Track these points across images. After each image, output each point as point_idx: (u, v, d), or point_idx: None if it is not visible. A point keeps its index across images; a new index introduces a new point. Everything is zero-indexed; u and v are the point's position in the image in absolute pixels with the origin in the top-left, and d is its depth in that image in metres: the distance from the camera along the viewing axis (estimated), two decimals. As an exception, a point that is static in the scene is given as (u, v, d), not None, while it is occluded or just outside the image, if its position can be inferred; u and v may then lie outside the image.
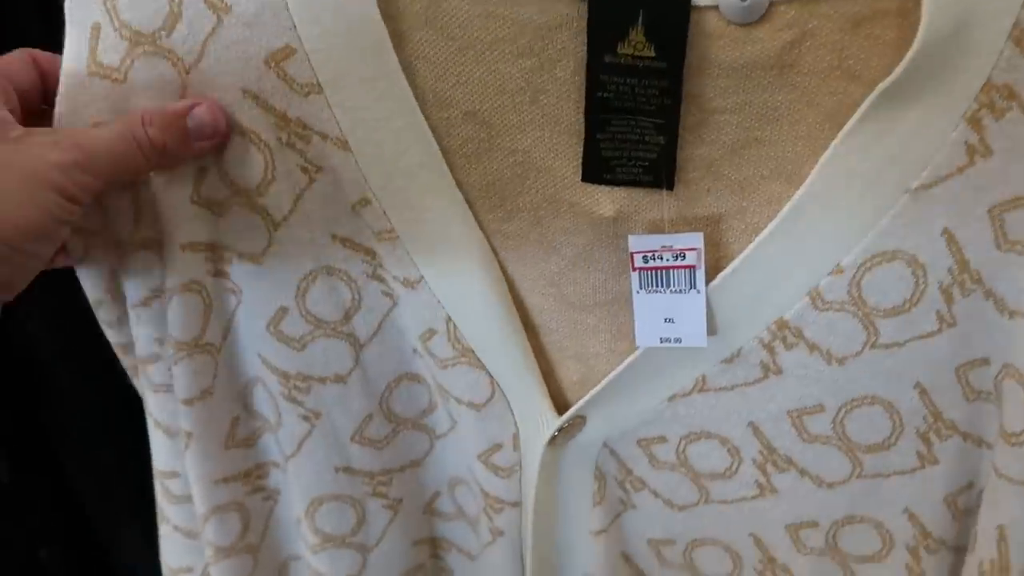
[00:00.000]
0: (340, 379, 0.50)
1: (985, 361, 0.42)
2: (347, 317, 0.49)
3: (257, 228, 0.46)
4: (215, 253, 0.47)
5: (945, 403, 0.44)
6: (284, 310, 0.48)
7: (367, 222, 0.45)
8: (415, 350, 0.50)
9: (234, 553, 0.54)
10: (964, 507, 0.48)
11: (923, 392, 0.43)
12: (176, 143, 0.41)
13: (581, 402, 0.47)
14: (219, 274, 0.47)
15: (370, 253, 0.47)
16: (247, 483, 0.54)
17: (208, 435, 0.51)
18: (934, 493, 0.47)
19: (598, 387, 0.46)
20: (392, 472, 0.54)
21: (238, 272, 0.47)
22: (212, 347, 0.49)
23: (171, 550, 0.57)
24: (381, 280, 0.48)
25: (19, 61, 0.43)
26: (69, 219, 0.40)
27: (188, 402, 0.49)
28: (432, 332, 0.48)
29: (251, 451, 0.53)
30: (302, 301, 0.48)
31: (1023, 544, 0.44)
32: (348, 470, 0.53)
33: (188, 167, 0.44)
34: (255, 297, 0.48)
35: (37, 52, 0.44)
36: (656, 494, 0.51)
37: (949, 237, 0.38)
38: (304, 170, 0.44)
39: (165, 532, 0.57)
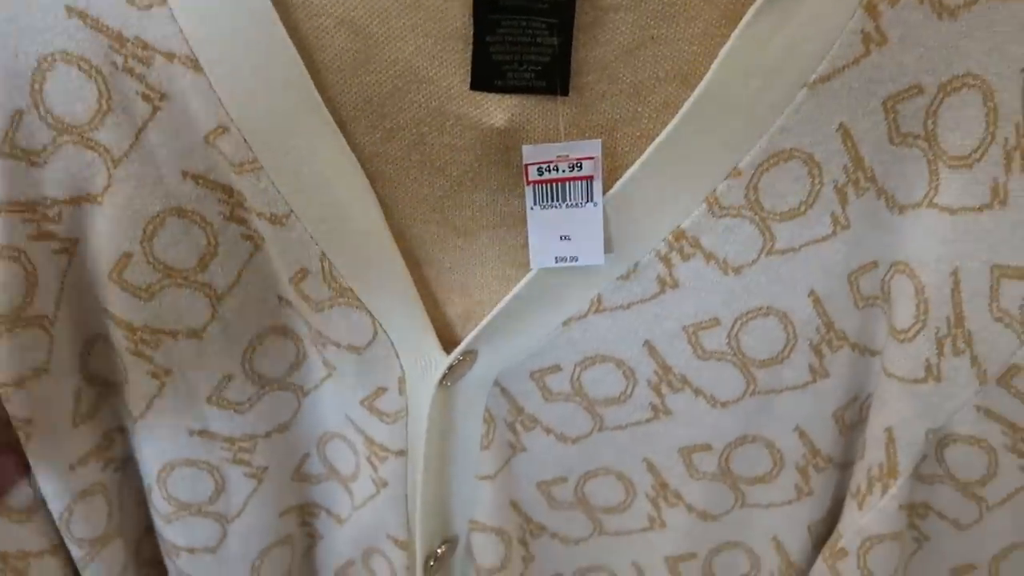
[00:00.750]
0: (194, 334, 0.46)
1: (874, 264, 0.43)
2: (202, 264, 0.44)
3: (93, 166, 0.41)
4: (37, 212, 0.41)
5: (837, 311, 0.44)
6: (128, 256, 0.43)
7: (224, 154, 0.41)
8: (281, 298, 0.46)
9: (107, 541, 0.49)
10: (850, 422, 0.48)
11: (816, 301, 0.43)
12: None
13: (471, 336, 0.45)
14: (44, 236, 0.42)
15: (227, 191, 0.42)
16: (99, 457, 0.48)
17: (51, 416, 0.45)
18: (824, 408, 0.47)
19: (488, 317, 0.44)
20: (256, 438, 0.50)
21: (74, 219, 0.42)
22: (43, 319, 0.43)
23: None
24: (241, 222, 0.43)
25: None
26: None
27: (19, 383, 0.43)
28: (305, 272, 0.44)
29: (96, 422, 0.48)
30: (148, 246, 0.43)
31: (910, 445, 0.45)
32: (205, 433, 0.49)
33: None
34: (97, 244, 0.42)
35: None
36: (548, 430, 0.49)
37: (845, 132, 0.38)
38: (146, 98, 0.39)
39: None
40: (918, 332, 0.42)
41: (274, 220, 0.42)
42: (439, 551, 0.53)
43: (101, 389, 0.48)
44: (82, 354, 0.46)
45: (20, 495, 0.47)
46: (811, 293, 0.43)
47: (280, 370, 0.49)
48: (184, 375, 0.47)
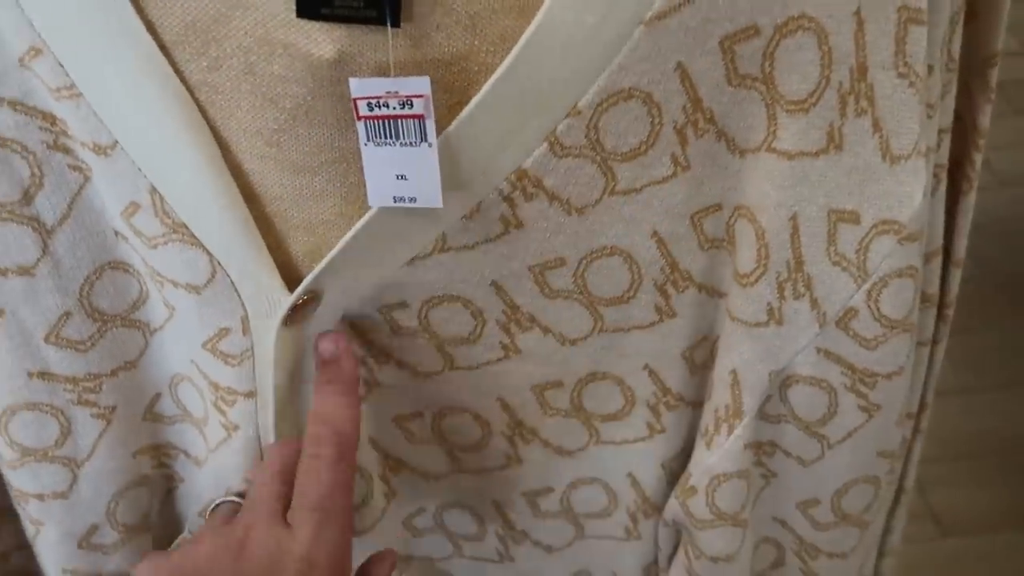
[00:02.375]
0: (25, 271, 0.44)
1: (718, 207, 0.42)
2: (27, 197, 0.42)
3: None
4: None
5: (681, 252, 0.43)
6: None
7: (41, 78, 0.38)
8: (118, 233, 0.44)
9: None
10: (701, 361, 0.49)
11: (660, 241, 0.43)
12: None
13: (313, 274, 0.43)
14: None
15: (49, 118, 0.40)
16: None
17: None
18: (672, 347, 0.47)
19: (330, 255, 0.42)
20: (101, 377, 0.48)
21: None
22: None
23: None
24: (67, 151, 0.41)
25: None
26: None
27: None
28: (136, 206, 0.42)
29: None
30: None
31: (754, 387, 0.45)
32: (45, 375, 0.47)
33: None
34: None
35: None
36: (401, 364, 0.48)
37: (682, 72, 0.37)
38: None
39: None
40: (760, 276, 0.42)
41: (99, 150, 0.40)
42: None
43: None
44: None
45: None
46: (654, 233, 0.42)
47: (122, 306, 0.47)
48: (17, 315, 0.45)
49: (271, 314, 0.45)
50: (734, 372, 0.45)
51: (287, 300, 0.44)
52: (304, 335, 0.46)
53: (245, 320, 0.45)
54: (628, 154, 0.40)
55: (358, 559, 0.45)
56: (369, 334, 0.47)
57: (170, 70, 0.38)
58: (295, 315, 0.44)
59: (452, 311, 0.45)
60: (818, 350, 0.44)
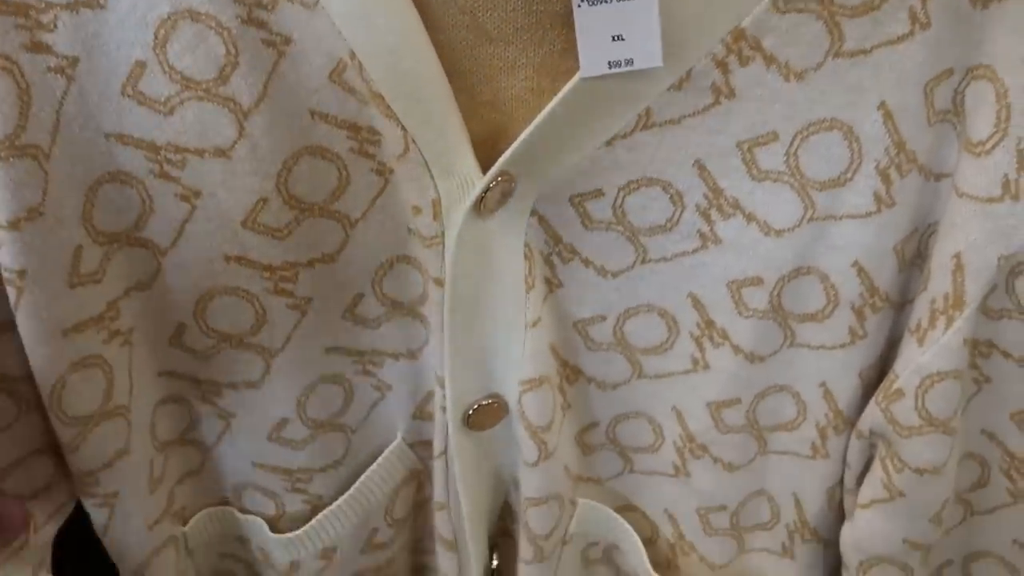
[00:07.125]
0: (222, 153, 0.42)
1: (949, 71, 0.39)
2: (223, 77, 0.41)
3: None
4: (27, 16, 0.37)
5: (909, 128, 0.40)
6: (141, 64, 0.39)
7: None
8: (314, 113, 0.42)
9: (102, 420, 0.46)
10: (910, 256, 0.45)
11: (887, 114, 0.40)
12: None
13: (505, 155, 0.41)
14: (37, 47, 0.38)
15: None
16: (100, 328, 0.45)
17: (43, 271, 0.41)
18: (886, 241, 0.44)
19: (523, 135, 0.40)
20: (298, 266, 0.47)
21: (67, 33, 0.38)
22: (36, 149, 0.39)
23: None
24: (260, 24, 0.40)
25: None
26: None
27: (13, 225, 0.39)
28: (342, 69, 0.41)
29: (100, 288, 0.44)
30: (162, 52, 0.39)
31: (980, 272, 0.41)
32: (242, 260, 0.45)
33: None
34: (99, 58, 0.39)
35: None
36: (587, 262, 0.46)
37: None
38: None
39: None
40: (997, 143, 0.38)
41: (305, 5, 0.39)
42: (477, 405, 0.50)
43: (108, 249, 0.44)
44: (85, 204, 0.42)
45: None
46: (881, 105, 0.39)
47: (321, 195, 0.45)
48: (216, 197, 0.43)
49: (462, 198, 0.43)
50: (958, 256, 0.42)
51: (480, 183, 0.42)
52: (489, 226, 0.44)
53: (437, 203, 0.44)
54: (859, 7, 0.37)
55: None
56: (557, 228, 0.45)
57: None
58: (487, 202, 0.43)
59: (650, 196, 0.43)
60: (1058, 232, 0.40)
